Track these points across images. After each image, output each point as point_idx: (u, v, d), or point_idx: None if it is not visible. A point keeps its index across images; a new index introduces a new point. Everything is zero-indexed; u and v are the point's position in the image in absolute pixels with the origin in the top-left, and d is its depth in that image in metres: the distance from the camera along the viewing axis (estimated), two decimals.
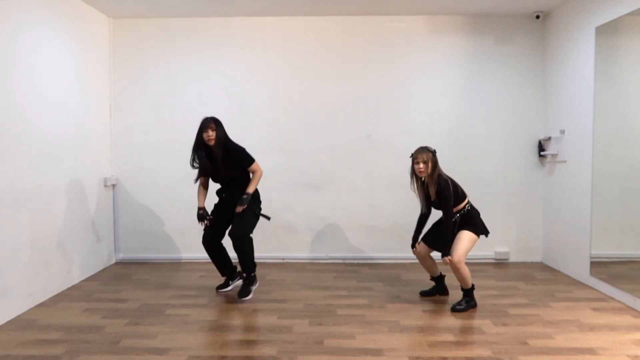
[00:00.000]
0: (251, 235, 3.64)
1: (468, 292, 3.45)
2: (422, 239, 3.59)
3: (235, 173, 3.66)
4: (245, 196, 3.57)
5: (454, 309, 3.39)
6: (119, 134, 4.86)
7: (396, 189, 4.86)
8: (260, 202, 3.80)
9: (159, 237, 4.92)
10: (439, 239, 3.45)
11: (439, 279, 3.71)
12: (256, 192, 3.73)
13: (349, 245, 4.92)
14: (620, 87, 3.79)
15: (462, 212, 3.43)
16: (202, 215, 3.71)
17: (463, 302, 3.42)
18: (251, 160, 3.65)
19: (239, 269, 3.81)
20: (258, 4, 4.44)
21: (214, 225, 3.74)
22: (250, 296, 3.62)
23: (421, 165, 3.31)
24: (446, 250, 3.34)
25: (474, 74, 4.80)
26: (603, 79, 3.85)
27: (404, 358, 2.64)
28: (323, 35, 4.82)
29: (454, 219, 3.40)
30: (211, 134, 3.53)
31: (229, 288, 3.87)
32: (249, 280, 3.65)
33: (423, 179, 3.41)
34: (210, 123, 3.55)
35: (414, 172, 3.43)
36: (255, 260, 3.68)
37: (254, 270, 3.68)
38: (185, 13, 4.68)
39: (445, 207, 3.35)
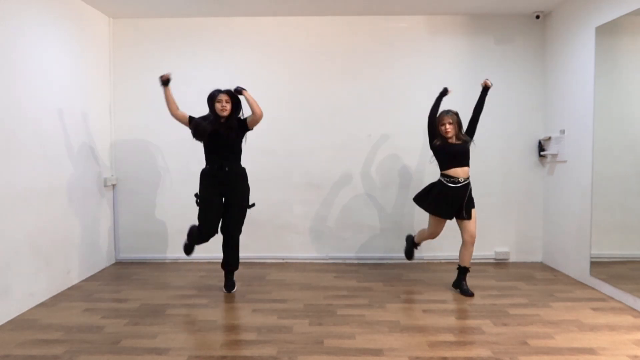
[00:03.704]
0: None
1: (467, 271, 3.81)
2: (442, 215, 3.74)
3: (239, 141, 3.71)
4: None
5: (469, 293, 3.73)
6: (119, 134, 4.86)
7: (396, 189, 4.86)
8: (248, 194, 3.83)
9: (159, 237, 4.92)
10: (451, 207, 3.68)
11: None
12: (248, 186, 3.79)
13: (349, 245, 4.92)
14: (620, 87, 3.79)
15: (469, 180, 3.70)
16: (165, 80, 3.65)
17: (466, 283, 3.80)
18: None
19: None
20: (258, 4, 4.44)
21: (215, 212, 3.67)
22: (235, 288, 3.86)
23: (447, 126, 3.63)
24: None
25: (474, 74, 4.79)
26: (603, 79, 3.85)
27: (404, 358, 2.64)
28: (323, 35, 4.82)
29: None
30: (226, 105, 3.59)
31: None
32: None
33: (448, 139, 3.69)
34: (225, 92, 3.61)
35: (436, 133, 3.71)
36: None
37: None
38: (185, 13, 4.68)
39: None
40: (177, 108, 3.70)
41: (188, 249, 3.88)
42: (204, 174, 3.72)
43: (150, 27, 4.83)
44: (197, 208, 3.71)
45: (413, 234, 4.21)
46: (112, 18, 4.80)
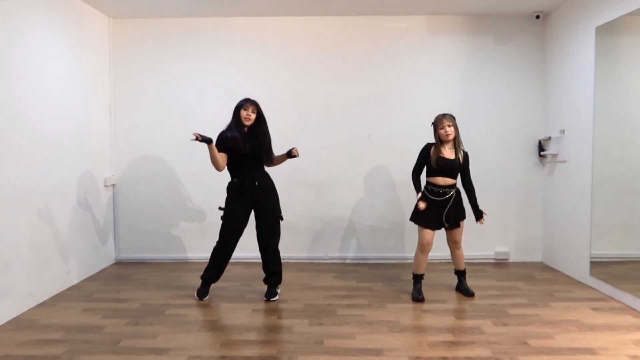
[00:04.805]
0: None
1: (465, 273, 3.83)
2: (430, 227, 3.60)
3: (263, 152, 3.57)
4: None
5: (469, 293, 3.74)
6: (119, 134, 4.86)
7: (396, 189, 4.86)
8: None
9: (159, 237, 4.92)
10: (442, 216, 3.59)
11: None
12: (277, 196, 3.68)
13: (349, 245, 4.92)
14: (620, 87, 3.79)
15: (454, 191, 3.60)
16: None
17: (466, 283, 3.82)
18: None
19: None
20: (258, 4, 4.44)
21: (241, 226, 3.58)
22: (277, 297, 3.70)
23: (447, 128, 3.50)
24: (479, 212, 3.65)
25: (474, 74, 4.80)
26: (603, 79, 3.85)
27: (404, 358, 2.64)
28: (323, 35, 4.81)
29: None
30: (251, 114, 3.49)
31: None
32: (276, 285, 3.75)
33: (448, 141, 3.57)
34: (252, 102, 3.52)
35: (437, 139, 3.58)
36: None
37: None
38: (185, 13, 4.68)
39: (468, 172, 3.66)
40: (221, 162, 3.48)
41: (203, 292, 3.70)
42: (233, 188, 3.58)
43: (150, 27, 4.82)
44: (221, 221, 3.58)
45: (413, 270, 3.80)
46: (112, 18, 4.80)
